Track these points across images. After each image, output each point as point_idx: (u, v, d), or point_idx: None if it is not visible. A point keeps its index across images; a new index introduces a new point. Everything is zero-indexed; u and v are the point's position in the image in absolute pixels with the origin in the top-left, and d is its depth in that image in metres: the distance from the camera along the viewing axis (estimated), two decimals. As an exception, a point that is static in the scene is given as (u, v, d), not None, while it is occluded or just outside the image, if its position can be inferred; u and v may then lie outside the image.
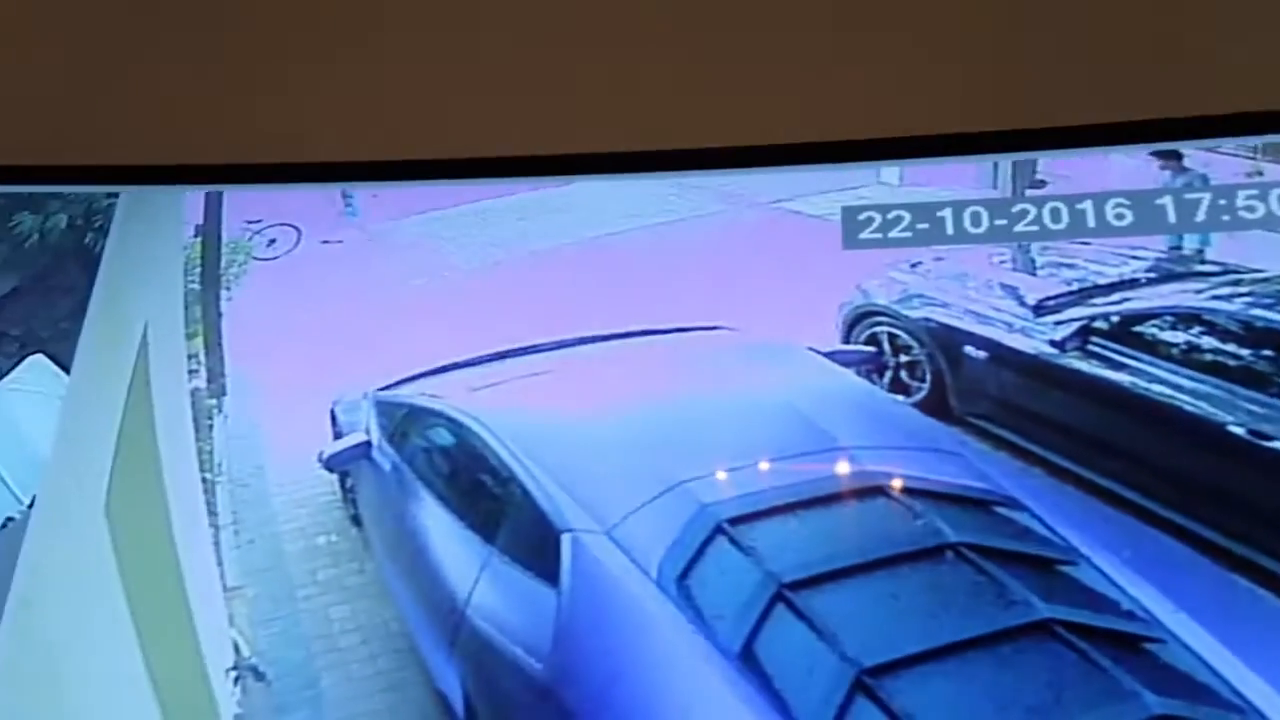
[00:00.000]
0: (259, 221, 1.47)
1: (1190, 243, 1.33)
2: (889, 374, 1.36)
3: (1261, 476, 1.17)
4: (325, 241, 1.46)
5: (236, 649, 1.20)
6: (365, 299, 1.43)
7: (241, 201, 1.48)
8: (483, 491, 1.30)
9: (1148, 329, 1.28)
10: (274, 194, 1.49)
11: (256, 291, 1.43)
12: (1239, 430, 1.18)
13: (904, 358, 1.35)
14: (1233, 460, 1.18)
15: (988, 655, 1.10)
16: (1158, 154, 1.33)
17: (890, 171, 1.42)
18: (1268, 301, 1.24)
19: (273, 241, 1.46)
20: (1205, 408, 1.22)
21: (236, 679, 1.20)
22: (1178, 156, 1.32)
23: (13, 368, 1.42)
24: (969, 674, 1.10)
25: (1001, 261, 1.37)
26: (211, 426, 1.34)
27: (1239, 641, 1.08)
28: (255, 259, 1.45)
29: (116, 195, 1.48)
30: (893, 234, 1.35)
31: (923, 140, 1.39)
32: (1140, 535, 1.18)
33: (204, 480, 1.30)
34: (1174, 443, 1.22)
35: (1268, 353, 1.21)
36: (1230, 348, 1.23)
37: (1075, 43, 1.47)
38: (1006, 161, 1.37)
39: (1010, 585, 1.14)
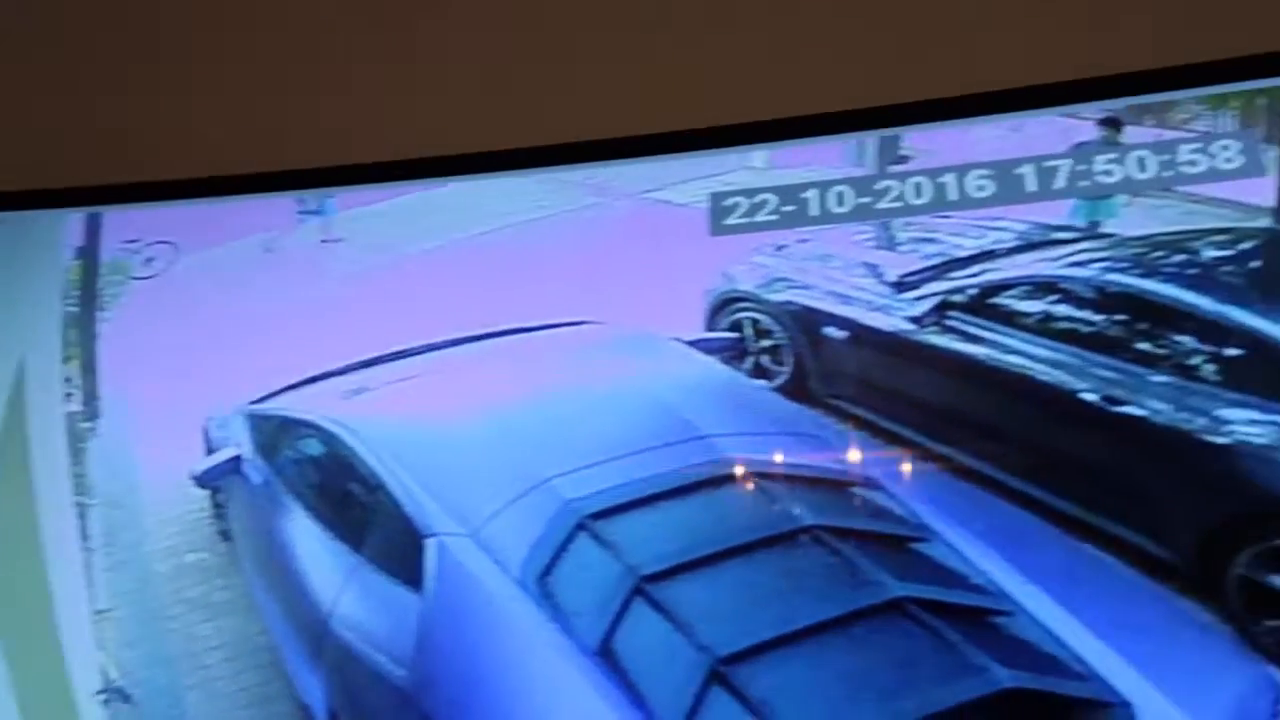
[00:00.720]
0: (136, 241, 1.47)
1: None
2: (751, 360, 1.35)
3: (1112, 442, 1.17)
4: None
5: (104, 673, 1.20)
6: (241, 311, 1.43)
7: (120, 222, 1.48)
8: (351, 500, 1.31)
9: (1004, 300, 1.28)
10: (152, 212, 1.50)
11: (134, 311, 1.43)
12: (1091, 397, 1.17)
13: (765, 342, 1.36)
14: (1084, 428, 1.18)
15: (841, 637, 1.11)
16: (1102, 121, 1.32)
17: (758, 155, 1.41)
18: (1123, 265, 1.23)
19: (150, 260, 1.46)
20: (1059, 376, 1.21)
21: (105, 701, 1.21)
22: (1117, 125, 1.30)
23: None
24: (823, 657, 1.11)
25: (865, 240, 1.36)
26: (85, 450, 1.34)
27: (1085, 609, 1.09)
28: (133, 278, 1.44)
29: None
30: (759, 217, 1.34)
31: (788, 122, 1.39)
32: (993, 508, 1.18)
33: (78, 504, 1.30)
34: (1028, 413, 1.22)
35: (1121, 317, 1.20)
36: (1084, 314, 1.23)
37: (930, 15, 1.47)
38: (871, 139, 1.36)
39: (863, 565, 1.15)
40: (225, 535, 1.36)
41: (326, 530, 1.30)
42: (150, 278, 1.45)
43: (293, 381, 1.40)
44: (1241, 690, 1.07)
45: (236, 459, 1.39)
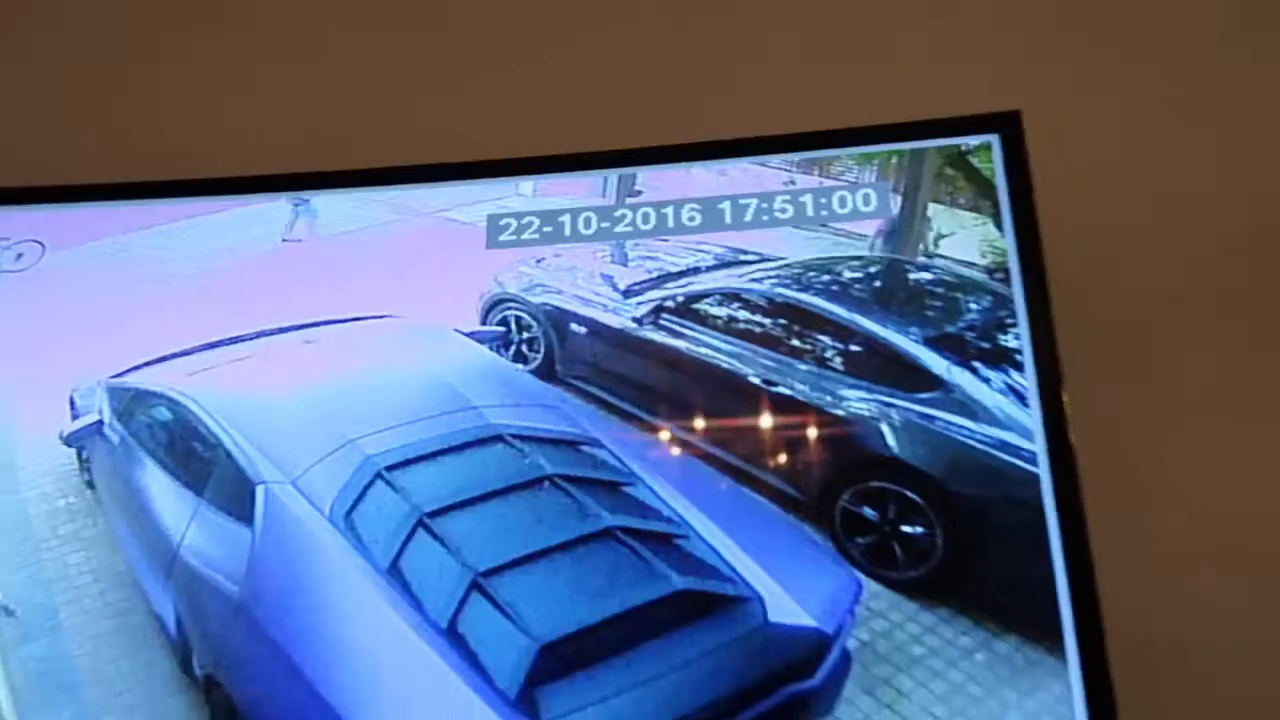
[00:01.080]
0: (8, 239, 1.68)
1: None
2: (514, 348, 1.64)
3: (768, 413, 1.50)
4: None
5: None
6: (101, 302, 1.63)
7: None
8: (194, 455, 1.53)
9: (702, 306, 1.58)
10: (21, 213, 1.68)
11: (6, 300, 1.62)
12: (756, 380, 1.52)
13: (525, 334, 1.62)
14: (750, 402, 1.50)
15: (568, 555, 1.39)
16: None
17: (526, 185, 1.69)
18: (786, 282, 1.58)
19: (20, 255, 1.67)
20: (735, 364, 1.53)
21: None
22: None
23: None
24: (554, 570, 1.38)
25: (604, 256, 1.66)
26: None
27: (739, 533, 1.41)
28: (4, 271, 1.66)
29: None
30: (525, 236, 1.62)
31: (550, 159, 1.67)
32: (682, 460, 1.48)
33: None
34: (711, 391, 1.53)
35: (782, 320, 1.55)
36: (756, 318, 1.57)
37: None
38: (613, 175, 1.66)
39: (587, 503, 1.43)
40: (90, 485, 1.56)
41: (174, 480, 1.52)
42: (20, 271, 1.66)
43: (146, 360, 1.59)
44: (836, 586, 1.39)
45: (99, 423, 1.58)
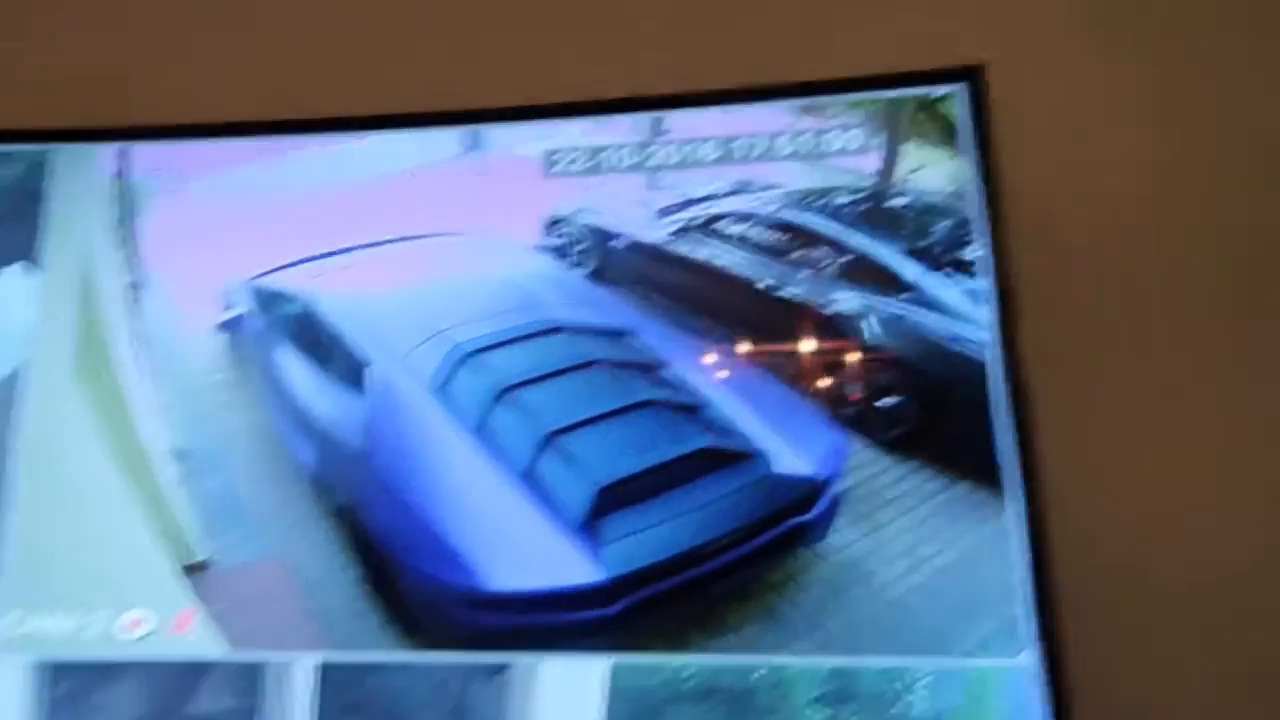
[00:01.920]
0: (160, 169, 1.90)
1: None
2: (569, 258, 1.85)
3: (774, 312, 1.74)
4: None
5: (173, 445, 1.73)
6: (243, 218, 1.87)
7: (149, 153, 1.91)
8: (318, 341, 1.80)
9: (720, 225, 1.81)
10: (175, 146, 1.91)
11: (161, 217, 1.87)
12: (763, 285, 1.76)
13: (578, 248, 1.84)
14: (758, 303, 1.75)
15: (618, 420, 1.66)
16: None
17: (577, 125, 1.87)
18: (791, 205, 1.82)
19: (175, 180, 1.86)
20: (748, 271, 1.77)
21: (175, 458, 1.74)
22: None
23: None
24: (608, 430, 1.65)
25: (642, 184, 1.84)
26: (139, 309, 1.81)
27: (749, 401, 1.68)
28: (164, 194, 1.87)
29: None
30: (575, 167, 1.84)
31: (595, 104, 1.90)
32: (706, 348, 1.74)
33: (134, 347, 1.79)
34: (729, 294, 1.76)
35: (786, 237, 1.81)
36: (766, 234, 1.83)
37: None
38: (646, 118, 1.85)
39: (630, 380, 1.70)
40: (240, 362, 1.82)
41: (304, 359, 1.79)
42: (175, 194, 1.87)
43: (279, 265, 1.84)
44: (828, 444, 1.63)
45: (244, 315, 1.84)
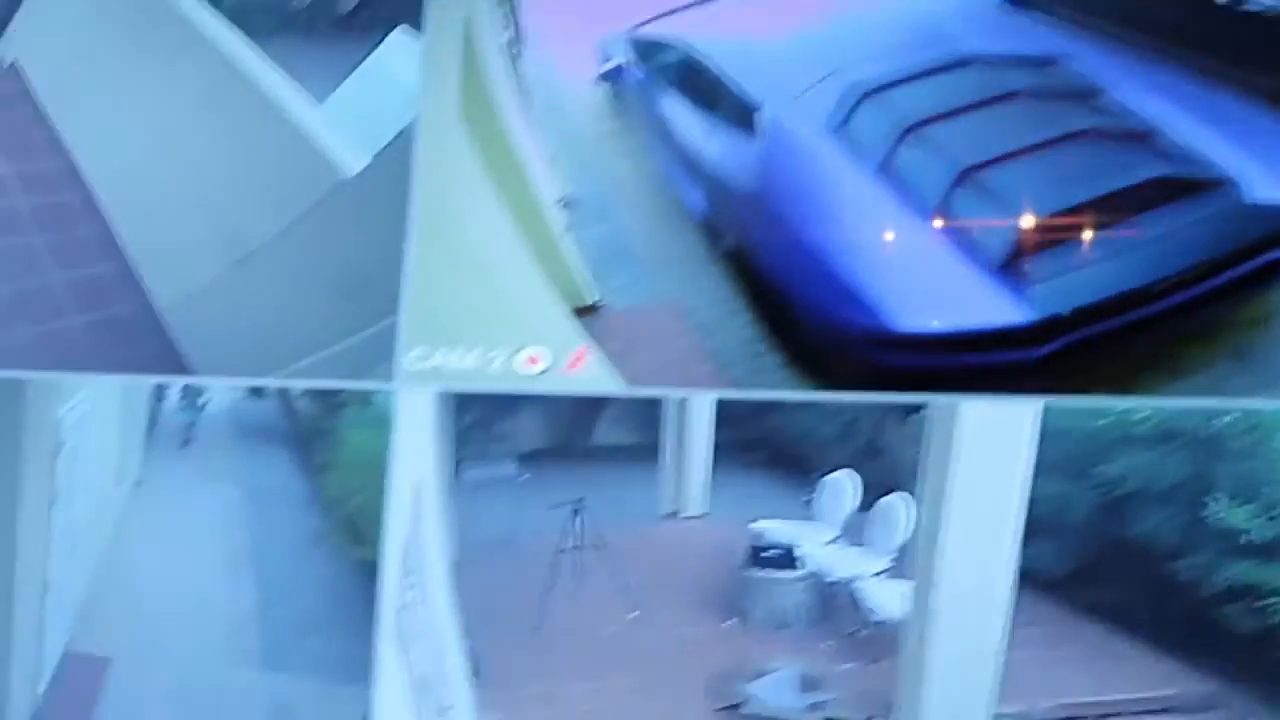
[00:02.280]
0: None
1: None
2: None
3: (1239, 28, 1.49)
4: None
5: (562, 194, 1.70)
6: None
7: None
8: (701, 87, 1.74)
9: None
10: None
11: None
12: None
13: None
14: (1218, 18, 1.50)
15: (1047, 153, 1.48)
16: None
17: None
18: None
19: None
20: None
21: (564, 207, 1.70)
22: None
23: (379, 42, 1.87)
24: (1034, 165, 1.48)
25: None
26: (518, 58, 1.76)
27: (1216, 125, 1.45)
28: None
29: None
30: None
31: None
32: (1152, 68, 1.53)
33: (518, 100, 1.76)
34: (1179, 8, 1.55)
35: None
36: None
37: None
38: None
39: (1057, 110, 1.51)
40: (622, 112, 1.81)
41: (690, 105, 1.75)
42: None
43: (656, 14, 1.78)
44: None
45: (622, 66, 1.83)
